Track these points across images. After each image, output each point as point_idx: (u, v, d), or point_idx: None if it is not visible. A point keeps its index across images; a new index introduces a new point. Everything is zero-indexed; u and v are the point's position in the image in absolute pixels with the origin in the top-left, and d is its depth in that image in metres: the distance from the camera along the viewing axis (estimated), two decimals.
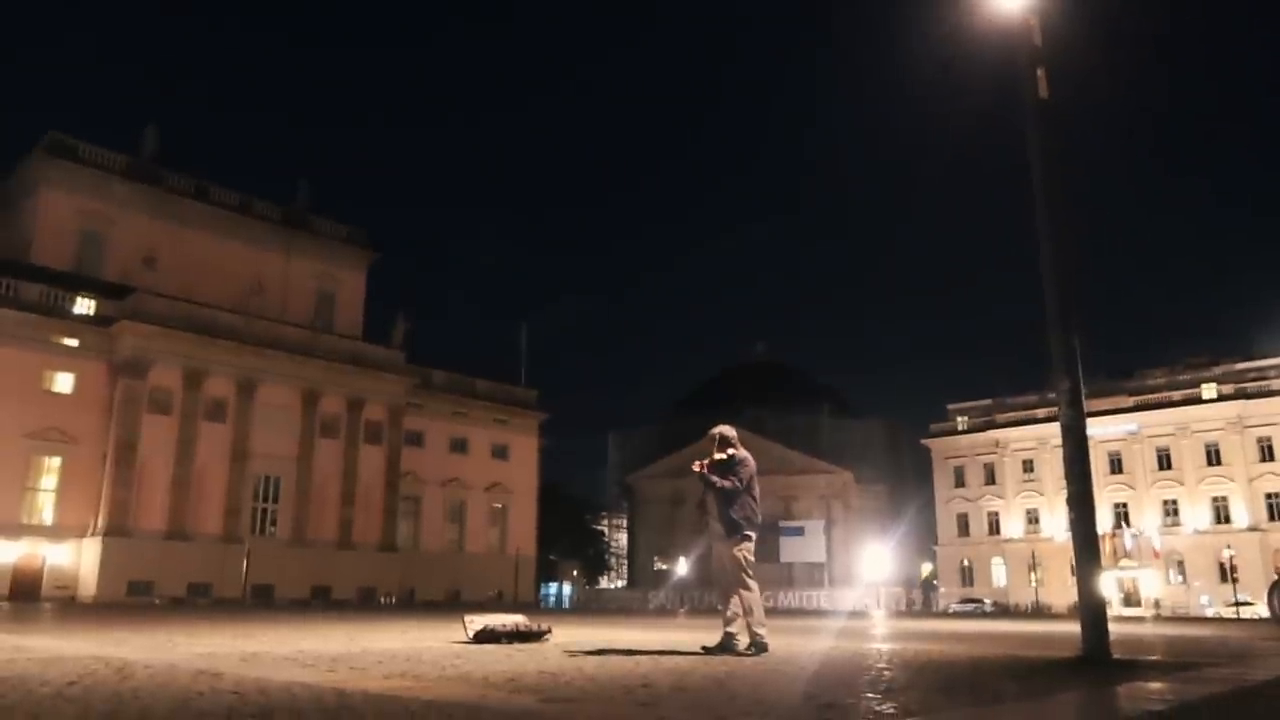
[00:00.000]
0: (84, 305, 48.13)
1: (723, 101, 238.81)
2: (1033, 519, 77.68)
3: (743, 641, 7.86)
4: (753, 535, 8.11)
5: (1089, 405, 8.79)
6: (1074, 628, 8.00)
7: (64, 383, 46.78)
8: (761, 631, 7.86)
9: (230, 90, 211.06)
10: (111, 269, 52.65)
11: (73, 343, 47.08)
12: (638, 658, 7.43)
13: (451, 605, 48.56)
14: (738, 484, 8.09)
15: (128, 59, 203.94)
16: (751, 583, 8.00)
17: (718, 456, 8.24)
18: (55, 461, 46.18)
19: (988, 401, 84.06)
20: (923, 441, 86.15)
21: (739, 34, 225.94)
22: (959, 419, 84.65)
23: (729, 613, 8.03)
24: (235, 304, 53.29)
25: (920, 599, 73.03)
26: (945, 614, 54.65)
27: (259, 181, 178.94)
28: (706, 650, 7.91)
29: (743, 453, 8.31)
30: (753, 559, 8.12)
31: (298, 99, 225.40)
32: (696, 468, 8.34)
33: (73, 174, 53.75)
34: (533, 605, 58.56)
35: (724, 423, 8.59)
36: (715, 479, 8.13)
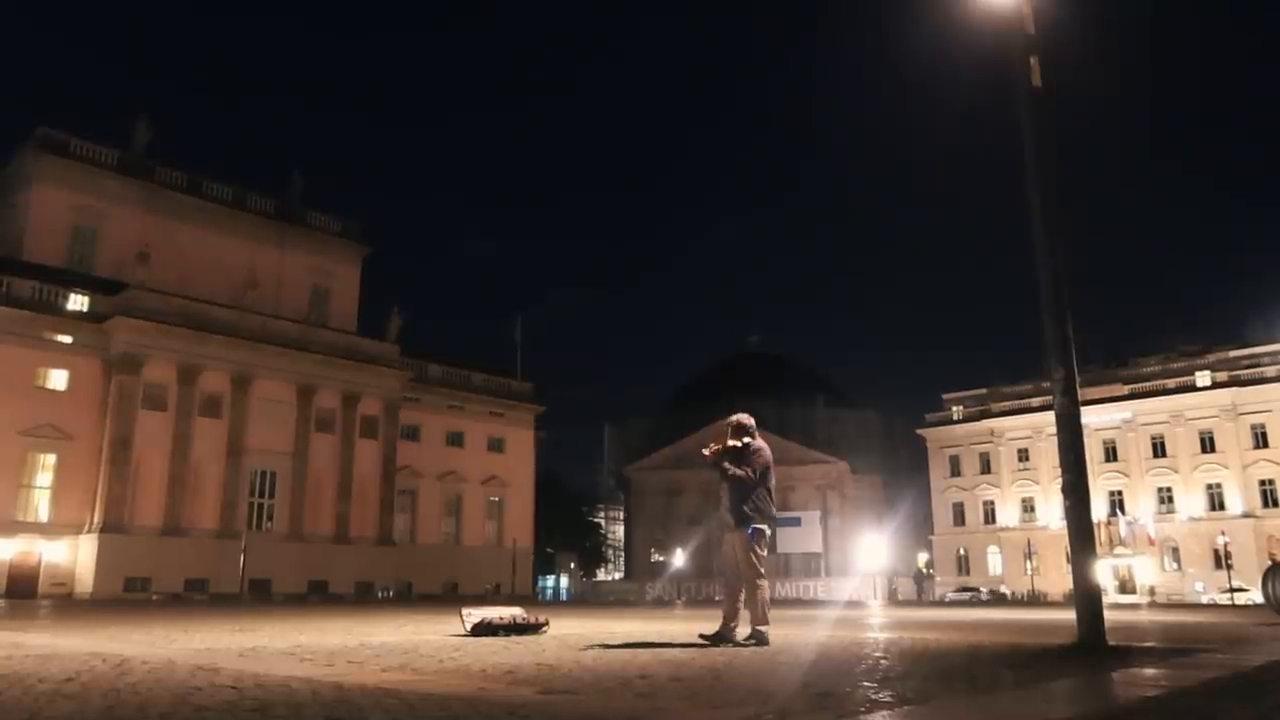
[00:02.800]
0: (77, 301, 47.95)
1: (718, 95, 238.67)
2: (1028, 507, 77.88)
3: (741, 632, 7.84)
4: (765, 529, 7.94)
5: (1083, 394, 8.80)
6: (1070, 615, 8.03)
7: (58, 379, 46.62)
8: (764, 629, 7.79)
9: (223, 80, 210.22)
10: (104, 264, 52.43)
11: (66, 339, 46.91)
12: (635, 649, 7.45)
13: (449, 598, 48.63)
14: (751, 474, 7.94)
15: (118, 49, 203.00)
16: (761, 580, 7.92)
17: (731, 444, 8.10)
18: (50, 458, 46.05)
19: (983, 391, 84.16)
20: (918, 431, 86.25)
21: (733, 28, 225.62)
22: (954, 408, 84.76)
23: (732, 604, 7.99)
24: (229, 299, 53.13)
25: (914, 589, 73.37)
26: (942, 603, 54.83)
27: (252, 172, 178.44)
28: (704, 638, 7.89)
29: (759, 442, 8.13)
30: (764, 553, 7.98)
31: (293, 88, 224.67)
32: (707, 453, 8.15)
33: (64, 169, 53.46)
34: (530, 598, 58.69)
35: (741, 411, 8.38)
36: (728, 466, 7.97)
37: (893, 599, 58.38)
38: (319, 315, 60.57)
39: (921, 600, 61.94)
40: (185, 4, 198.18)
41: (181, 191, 58.07)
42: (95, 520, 45.52)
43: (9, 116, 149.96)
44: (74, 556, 45.37)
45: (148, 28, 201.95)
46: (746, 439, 8.11)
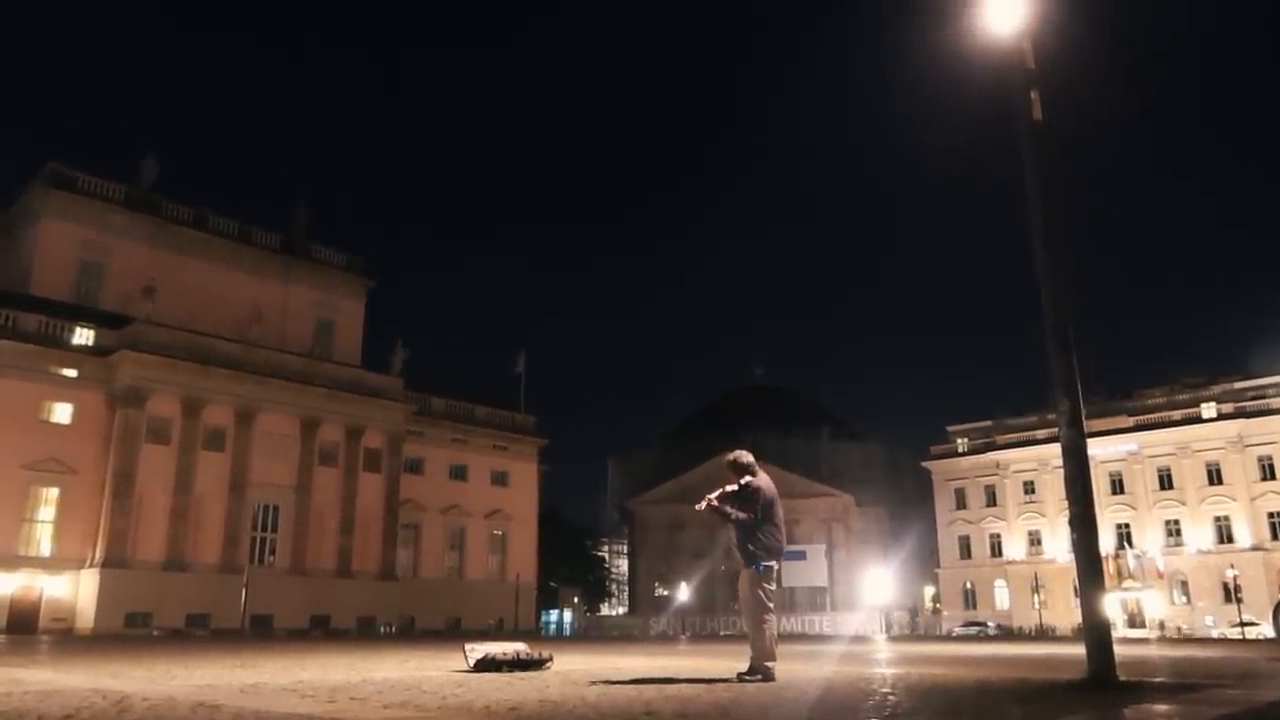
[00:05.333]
0: (83, 335, 48.10)
1: (719, 127, 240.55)
2: (1035, 540, 77.38)
3: (762, 667, 7.79)
4: (772, 565, 8.01)
5: (1089, 426, 8.76)
6: (1079, 650, 7.95)
7: (62, 413, 46.64)
8: (770, 664, 7.77)
9: (226, 112, 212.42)
10: (111, 298, 52.66)
11: (71, 373, 47.00)
12: (640, 685, 7.38)
13: (451, 633, 48.31)
14: (754, 515, 7.97)
15: (124, 82, 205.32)
16: (769, 615, 7.93)
17: (729, 489, 8.11)
18: (53, 492, 45.94)
19: (987, 423, 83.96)
20: (923, 464, 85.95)
21: (735, 61, 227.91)
22: (959, 441, 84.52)
23: (754, 639, 7.99)
24: (234, 332, 53.25)
25: (909, 622, 73.14)
26: (948, 637, 54.33)
27: (257, 201, 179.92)
28: (740, 677, 7.83)
29: (759, 479, 8.12)
30: (773, 587, 8.02)
31: (298, 119, 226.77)
32: (702, 506, 8.12)
33: (72, 205, 53.86)
34: (533, 633, 58.21)
35: (739, 448, 8.42)
36: (731, 512, 7.99)
37: (890, 633, 57.87)
38: (323, 349, 60.68)
39: (915, 634, 61.47)
40: (188, 37, 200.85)
41: (187, 226, 58.45)
42: (97, 555, 45.32)
43: (16, 152, 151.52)
44: (75, 591, 45.14)
45: (151, 59, 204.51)
46: (747, 478, 8.10)
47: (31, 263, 52.53)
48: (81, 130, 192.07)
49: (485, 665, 8.95)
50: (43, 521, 45.73)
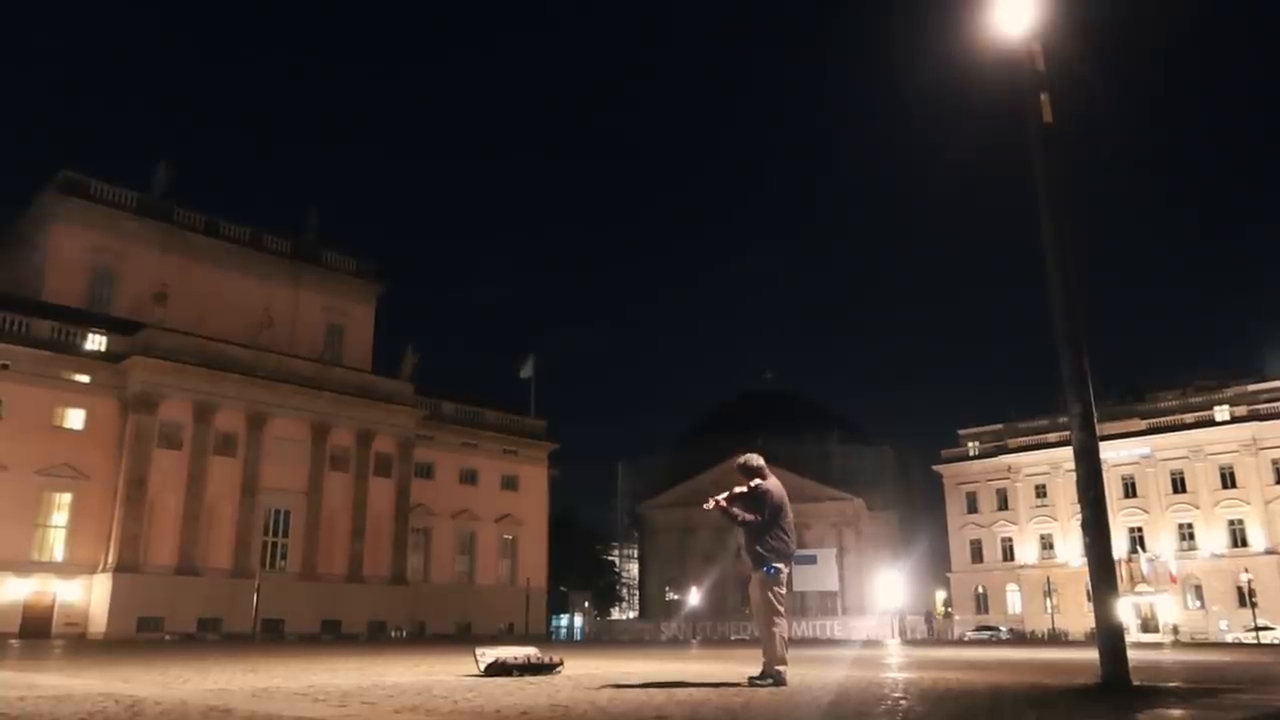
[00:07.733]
0: (95, 341, 48.30)
1: (730, 129, 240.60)
2: (1047, 544, 77.03)
3: (774, 671, 7.77)
4: (781, 567, 7.95)
5: (1100, 429, 8.71)
6: (1092, 654, 7.91)
7: (75, 419, 46.84)
8: (782, 669, 7.75)
9: (239, 116, 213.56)
10: (123, 304, 52.93)
11: (84, 379, 47.21)
12: (651, 690, 7.37)
13: (462, 638, 48.32)
14: (761, 517, 7.95)
15: (139, 86, 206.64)
16: (778, 619, 7.89)
17: (738, 490, 8.12)
18: (66, 498, 46.11)
19: (999, 426, 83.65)
20: (934, 468, 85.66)
21: (745, 64, 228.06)
22: (970, 444, 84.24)
23: (765, 643, 7.96)
24: (245, 337, 53.39)
25: (925, 628, 72.92)
26: (961, 641, 54.12)
27: (268, 205, 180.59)
28: (751, 681, 7.81)
29: (769, 482, 8.12)
30: (783, 590, 7.98)
31: (308, 127, 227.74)
32: (710, 505, 8.13)
33: (84, 211, 54.16)
34: (544, 637, 58.24)
35: (749, 450, 8.42)
36: (738, 513, 7.98)
37: (902, 637, 57.71)
38: (333, 353, 60.83)
39: (931, 639, 61.24)
40: (201, 39, 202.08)
41: (199, 232, 58.73)
42: (109, 560, 45.48)
43: (30, 159, 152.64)
44: (88, 596, 45.30)
45: (164, 63, 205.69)
46: (756, 481, 8.08)
47: (44, 268, 52.84)
48: (97, 137, 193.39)
49: (496, 669, 8.95)
50: (55, 527, 45.92)
